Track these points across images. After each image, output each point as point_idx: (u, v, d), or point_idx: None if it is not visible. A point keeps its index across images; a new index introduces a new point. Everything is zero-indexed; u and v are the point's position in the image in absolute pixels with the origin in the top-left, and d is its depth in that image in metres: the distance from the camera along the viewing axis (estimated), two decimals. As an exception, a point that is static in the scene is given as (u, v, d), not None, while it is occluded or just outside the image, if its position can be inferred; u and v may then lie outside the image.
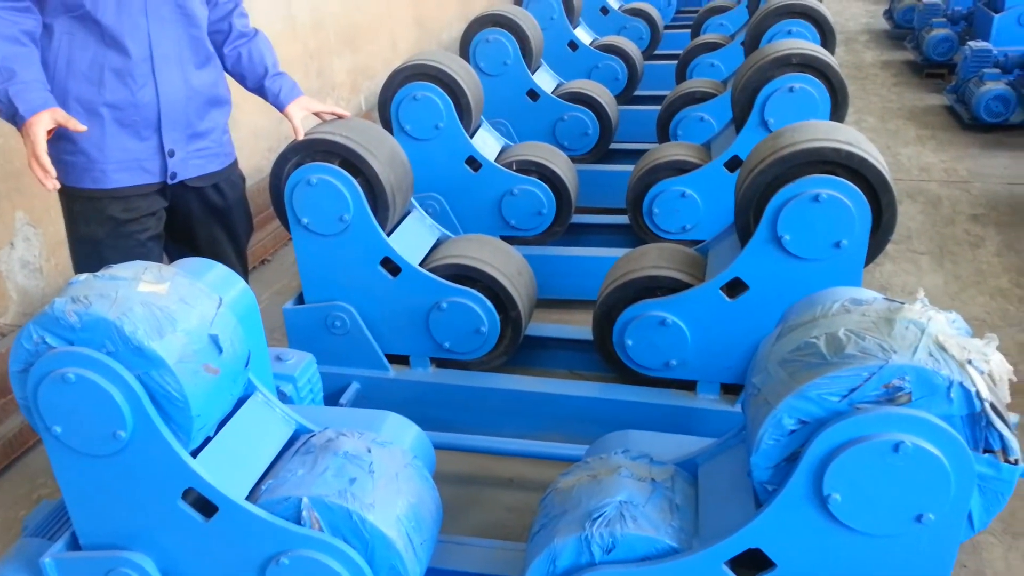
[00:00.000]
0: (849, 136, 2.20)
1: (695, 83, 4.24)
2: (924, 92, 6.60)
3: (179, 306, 1.48)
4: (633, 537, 1.43)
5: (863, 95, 6.56)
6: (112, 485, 1.52)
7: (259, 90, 2.44)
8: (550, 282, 3.23)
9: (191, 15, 2.15)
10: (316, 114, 2.53)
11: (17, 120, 1.97)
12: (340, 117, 2.57)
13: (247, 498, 1.54)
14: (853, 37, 8.72)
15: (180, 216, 2.34)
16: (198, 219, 2.37)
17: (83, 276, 1.52)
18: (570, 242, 3.58)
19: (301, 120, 2.44)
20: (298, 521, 1.50)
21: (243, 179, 2.50)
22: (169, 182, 2.21)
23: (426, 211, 2.91)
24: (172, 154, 2.18)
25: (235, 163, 2.44)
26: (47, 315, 1.43)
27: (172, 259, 2.41)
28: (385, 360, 2.63)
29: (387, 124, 3.35)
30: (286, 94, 2.42)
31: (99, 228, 2.17)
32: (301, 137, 2.45)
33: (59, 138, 2.06)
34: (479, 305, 2.53)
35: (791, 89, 3.11)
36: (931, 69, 6.93)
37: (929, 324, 1.30)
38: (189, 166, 2.24)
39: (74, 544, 1.64)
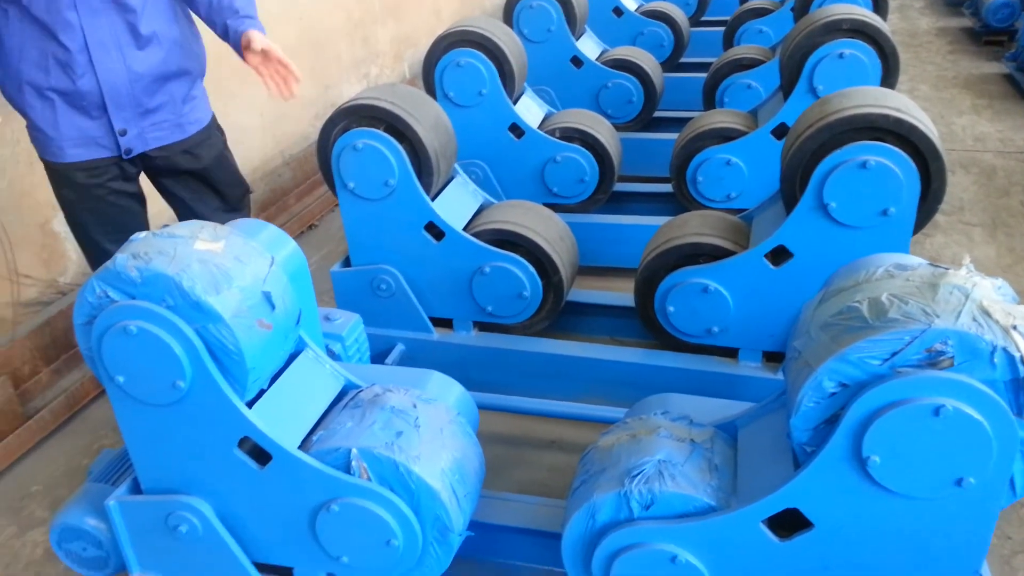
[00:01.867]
0: (898, 102, 2.16)
1: (743, 49, 4.17)
2: (982, 60, 6.39)
3: (234, 264, 1.54)
4: (671, 495, 1.46)
5: (917, 63, 6.38)
6: (172, 433, 1.59)
7: (224, 33, 2.33)
8: (592, 250, 3.25)
9: (122, 2, 2.15)
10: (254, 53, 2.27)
11: None
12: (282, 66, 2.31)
13: (299, 448, 1.60)
14: (908, 3, 8.44)
15: (159, 179, 2.46)
16: (175, 182, 2.46)
17: (142, 234, 1.58)
18: (613, 210, 3.58)
19: (259, 42, 2.24)
20: (347, 471, 1.56)
21: (221, 139, 2.53)
22: (124, 157, 2.30)
23: (469, 177, 2.93)
24: (124, 133, 2.26)
25: (207, 127, 2.46)
26: (109, 270, 1.49)
27: (178, 213, 2.55)
28: (429, 323, 2.68)
29: (431, 91, 3.37)
30: (244, 27, 2.27)
31: (70, 192, 2.32)
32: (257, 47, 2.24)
33: (24, 115, 2.23)
34: (521, 270, 2.56)
35: (841, 55, 3.05)
36: (990, 36, 6.68)
37: (974, 290, 1.29)
38: (147, 140, 2.32)
39: (136, 489, 1.73)
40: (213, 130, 2.50)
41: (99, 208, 2.34)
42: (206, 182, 2.50)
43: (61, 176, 2.30)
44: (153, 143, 2.33)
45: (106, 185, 2.32)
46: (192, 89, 2.40)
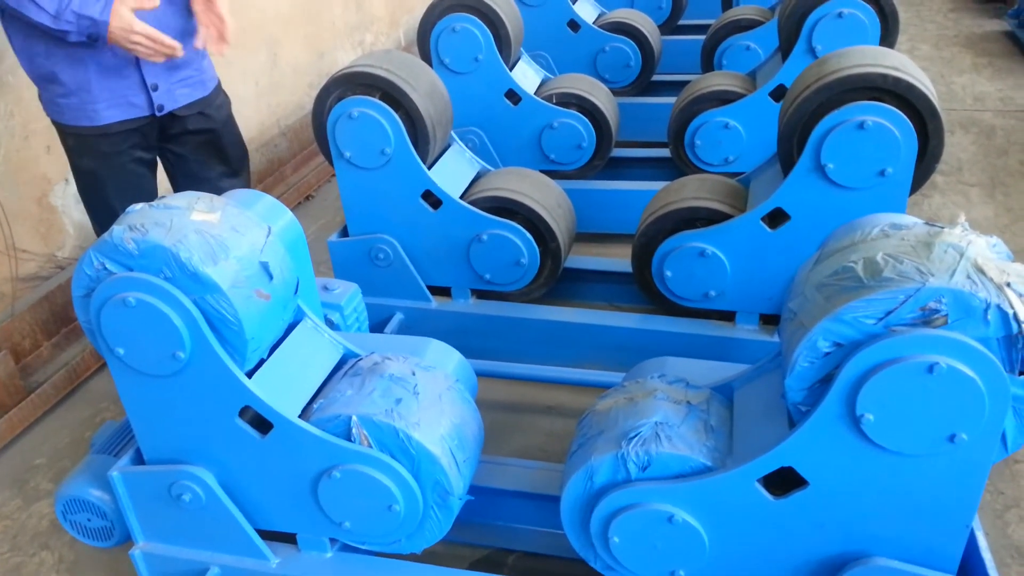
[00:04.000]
0: (896, 61, 2.14)
1: (741, 10, 4.12)
2: (983, 18, 6.32)
3: (231, 234, 1.54)
4: (667, 456, 1.48)
5: (917, 22, 6.31)
6: (173, 403, 1.61)
7: None
8: (590, 216, 3.24)
9: None
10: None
11: (100, 28, 2.03)
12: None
13: (299, 416, 1.61)
14: (909, -39, 8.33)
15: (168, 145, 2.45)
16: (185, 145, 2.46)
17: (138, 205, 1.58)
18: (610, 176, 3.57)
19: None
20: (348, 438, 1.58)
21: (228, 102, 2.55)
22: (157, 114, 2.31)
23: (466, 145, 2.92)
24: (156, 88, 2.27)
25: (219, 87, 2.50)
26: (106, 242, 1.50)
27: (176, 186, 2.54)
28: (427, 291, 2.68)
29: (426, 57, 3.34)
30: None
31: (91, 161, 2.31)
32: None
33: (52, 82, 2.20)
34: (519, 237, 2.56)
35: (840, 15, 3.02)
36: (992, -7, 6.61)
37: (968, 248, 1.29)
38: (176, 96, 2.33)
39: (138, 459, 1.75)
40: (222, 91, 2.53)
41: (120, 177, 2.34)
42: (215, 145, 2.50)
43: (84, 145, 2.29)
44: (181, 100, 2.35)
45: (128, 152, 2.32)
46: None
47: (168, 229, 1.49)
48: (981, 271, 1.26)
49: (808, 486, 1.41)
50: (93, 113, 2.23)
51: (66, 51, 2.14)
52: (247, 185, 2.65)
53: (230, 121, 2.55)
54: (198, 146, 2.48)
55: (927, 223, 1.40)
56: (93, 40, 2.08)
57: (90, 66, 2.17)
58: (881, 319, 1.28)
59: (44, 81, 2.22)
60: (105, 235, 1.51)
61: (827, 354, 1.33)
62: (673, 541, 1.50)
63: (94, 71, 2.18)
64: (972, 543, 1.46)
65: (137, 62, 2.21)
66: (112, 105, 2.24)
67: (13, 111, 2.82)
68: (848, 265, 1.35)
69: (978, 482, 1.34)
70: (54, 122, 2.31)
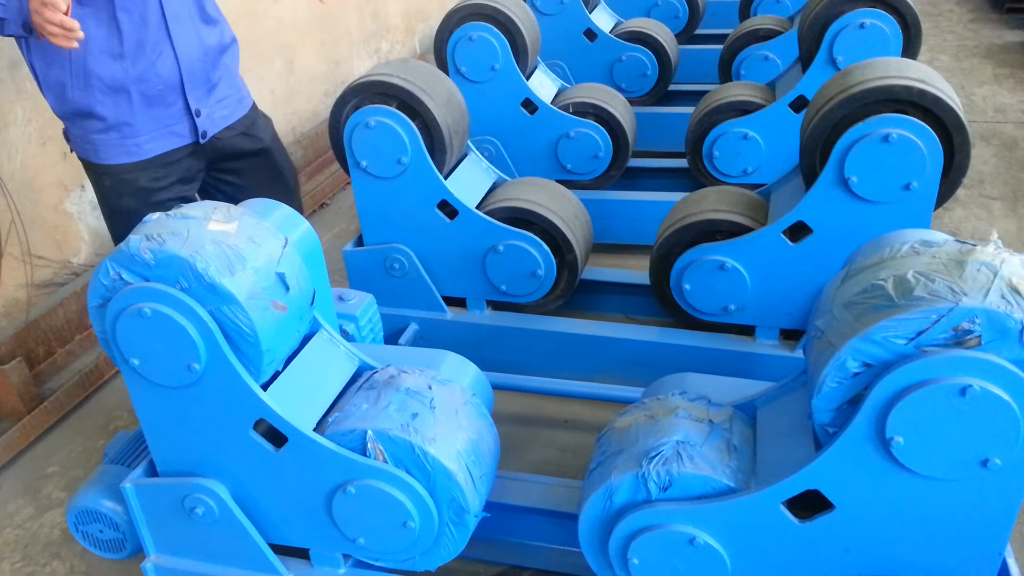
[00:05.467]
0: (921, 73, 2.11)
1: (760, 20, 4.09)
2: (1004, 28, 6.25)
3: (247, 245, 1.53)
4: (689, 476, 1.45)
5: (937, 32, 6.25)
6: (188, 415, 1.59)
7: None
8: (606, 227, 3.21)
9: None
10: None
11: (24, 3, 1.81)
12: None
13: (314, 430, 1.59)
14: (928, -29, 8.27)
15: (225, 175, 2.35)
16: (243, 173, 2.37)
17: (155, 215, 1.57)
18: (627, 186, 3.54)
19: None
20: (363, 452, 1.55)
21: (269, 120, 2.48)
22: (201, 141, 2.20)
23: (482, 154, 2.90)
24: (199, 113, 2.17)
25: (255, 106, 2.41)
26: (123, 252, 1.48)
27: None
28: (442, 302, 2.66)
29: (443, 66, 3.33)
30: None
31: (131, 200, 2.15)
32: None
33: (88, 116, 2.05)
34: (535, 248, 2.53)
35: (862, 25, 2.99)
36: (1012, 3, 6.52)
37: (1002, 266, 1.26)
38: (216, 120, 2.23)
39: (152, 471, 1.73)
40: (259, 110, 2.45)
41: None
42: (269, 163, 2.41)
43: (122, 184, 2.13)
44: (221, 123, 2.24)
45: (170, 188, 2.19)
46: (237, 64, 2.35)
47: (185, 239, 1.48)
48: (1016, 291, 1.22)
49: (834, 509, 1.38)
50: (135, 147, 2.09)
51: (106, 81, 2.00)
52: (300, 202, 2.60)
53: (277, 138, 2.46)
54: (255, 165, 2.38)
55: (958, 240, 1.37)
56: (28, 30, 1.88)
57: (133, 95, 2.03)
58: (912, 339, 1.24)
59: (77, 117, 2.06)
60: (122, 244, 1.50)
61: (856, 374, 1.29)
62: (694, 564, 1.46)
63: (138, 101, 2.05)
64: (1003, 571, 1.42)
65: (182, 87, 2.10)
66: (155, 137, 2.11)
67: (31, 117, 2.82)
68: (878, 283, 1.32)
69: (1012, 508, 1.30)
70: (86, 162, 2.15)
